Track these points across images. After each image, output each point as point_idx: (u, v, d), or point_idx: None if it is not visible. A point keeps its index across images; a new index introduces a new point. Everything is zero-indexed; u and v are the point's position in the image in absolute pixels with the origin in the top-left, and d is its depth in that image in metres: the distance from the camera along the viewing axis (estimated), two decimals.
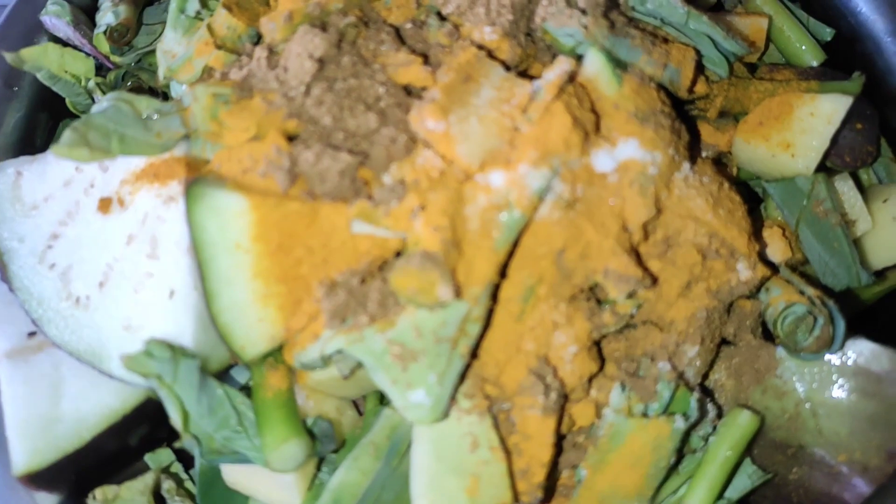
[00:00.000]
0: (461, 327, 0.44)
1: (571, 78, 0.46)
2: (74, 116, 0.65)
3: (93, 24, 0.62)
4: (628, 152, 0.47)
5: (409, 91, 0.47)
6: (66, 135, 0.44)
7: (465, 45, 0.48)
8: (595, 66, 0.47)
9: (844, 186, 0.59)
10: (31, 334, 0.53)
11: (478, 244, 0.43)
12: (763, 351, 0.54)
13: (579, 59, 0.49)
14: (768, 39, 0.63)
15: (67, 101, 0.62)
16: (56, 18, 0.61)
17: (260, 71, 0.47)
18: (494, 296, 0.45)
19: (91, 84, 0.60)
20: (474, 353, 0.46)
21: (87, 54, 0.61)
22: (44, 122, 0.65)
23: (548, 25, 0.49)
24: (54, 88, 0.60)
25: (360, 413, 0.56)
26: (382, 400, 0.54)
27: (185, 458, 0.57)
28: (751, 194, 0.61)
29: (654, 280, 0.48)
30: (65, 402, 0.50)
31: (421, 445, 0.45)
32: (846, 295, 0.58)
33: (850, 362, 0.52)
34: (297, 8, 0.47)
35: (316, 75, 0.45)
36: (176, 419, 0.45)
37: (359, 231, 0.44)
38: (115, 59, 0.60)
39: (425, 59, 0.48)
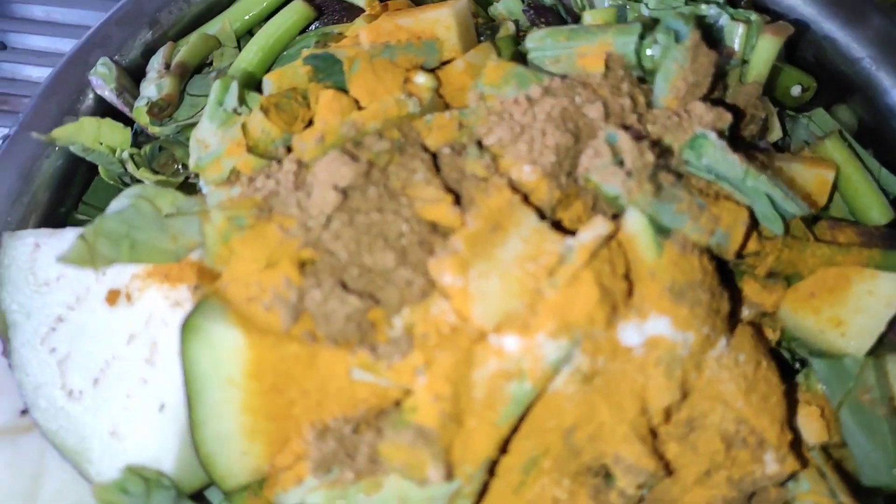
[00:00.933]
0: (451, 502, 0.40)
1: (608, 238, 0.43)
2: None
3: (138, 87, 0.62)
4: (658, 329, 0.43)
5: (435, 228, 0.45)
6: (76, 245, 0.43)
7: (501, 185, 0.45)
8: (635, 229, 0.44)
9: (891, 369, 0.53)
10: (24, 412, 0.52)
11: (480, 416, 0.40)
12: None
13: (618, 214, 0.45)
14: (833, 191, 0.59)
15: (100, 168, 0.61)
16: (101, 81, 0.60)
17: (284, 190, 0.45)
18: (492, 469, 0.42)
19: (125, 155, 0.59)
20: None
21: (127, 121, 0.60)
22: (82, 171, 0.64)
23: (591, 175, 0.46)
24: (87, 158, 0.59)
25: None
26: None
27: None
28: (791, 358, 0.57)
29: (669, 472, 0.44)
30: (43, 494, 0.49)
31: None
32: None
33: None
34: (330, 128, 0.45)
35: (338, 206, 0.43)
36: None
37: (359, 378, 0.42)
38: (154, 129, 0.60)
39: (457, 196, 0.45)
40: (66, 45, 1.06)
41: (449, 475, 0.39)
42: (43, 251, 0.53)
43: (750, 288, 0.55)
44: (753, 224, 0.51)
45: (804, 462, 0.49)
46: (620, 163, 0.45)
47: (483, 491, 0.42)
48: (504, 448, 0.42)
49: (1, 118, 1.04)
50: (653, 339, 0.43)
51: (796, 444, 0.50)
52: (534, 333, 0.41)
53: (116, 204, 0.47)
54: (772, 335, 0.55)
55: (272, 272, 0.42)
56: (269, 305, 0.42)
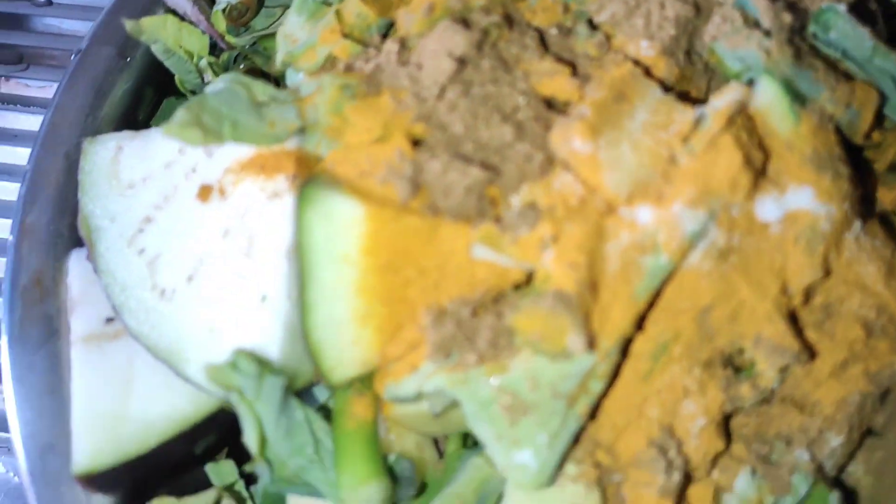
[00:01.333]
0: (583, 383, 0.38)
1: (742, 109, 0.40)
2: (179, 94, 0.62)
3: (212, 2, 0.60)
4: (799, 202, 0.40)
5: (550, 104, 0.42)
6: (180, 114, 0.41)
7: (619, 60, 0.42)
8: (769, 97, 0.41)
9: None
10: (110, 320, 0.50)
11: (616, 290, 0.37)
12: None
13: (749, 85, 0.42)
14: None
15: (176, 77, 0.59)
16: None
17: (390, 66, 0.42)
18: (625, 350, 0.39)
19: (203, 62, 0.57)
20: (592, 414, 0.40)
21: (203, 32, 0.58)
22: (149, 96, 0.63)
23: (718, 45, 0.43)
24: (166, 63, 0.57)
25: (439, 453, 0.50)
26: (465, 442, 0.48)
27: (247, 473, 0.52)
28: None
29: (813, 354, 0.41)
30: (134, 400, 0.46)
31: None
32: None
33: None
34: (438, 0, 0.43)
35: (453, 77, 0.40)
36: (252, 441, 0.40)
37: (480, 256, 0.39)
38: (231, 39, 0.58)
39: (573, 70, 0.42)
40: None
41: (591, 343, 0.36)
42: (126, 153, 0.51)
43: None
44: (881, 110, 0.47)
45: None
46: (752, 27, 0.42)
47: (615, 374, 0.39)
48: (639, 326, 0.39)
49: (48, 72, 1.03)
50: (792, 213, 0.40)
51: None
52: (669, 203, 0.38)
53: (213, 86, 0.44)
54: None
55: (384, 146, 0.40)
56: (383, 179, 0.39)
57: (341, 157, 0.41)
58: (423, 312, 0.40)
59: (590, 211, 0.38)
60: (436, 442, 0.50)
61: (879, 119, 0.49)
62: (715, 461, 0.43)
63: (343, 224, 0.38)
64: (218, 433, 0.49)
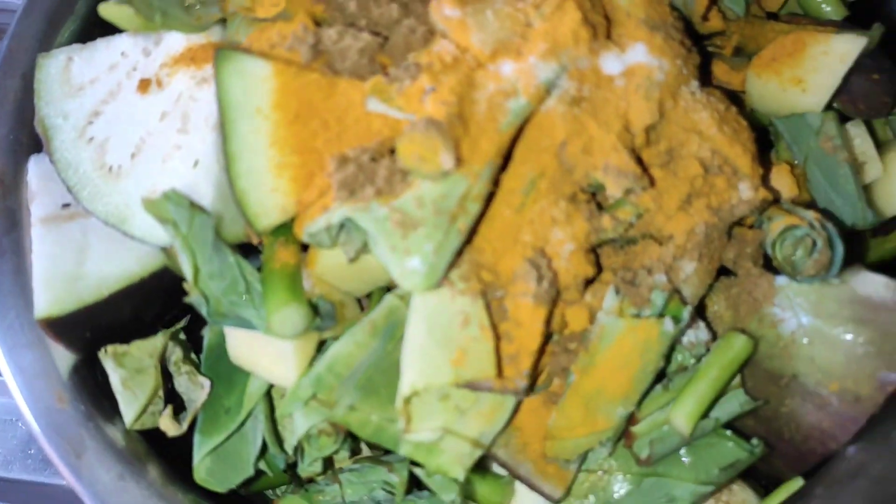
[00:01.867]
0: (461, 203, 0.46)
1: None
2: None
3: None
4: (636, 57, 0.49)
5: None
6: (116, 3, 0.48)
7: None
8: None
9: (857, 131, 0.59)
10: (66, 205, 0.57)
11: (483, 125, 0.46)
12: (762, 280, 0.55)
13: None
14: None
15: None
16: None
17: None
18: (497, 182, 0.47)
19: None
20: (472, 237, 0.48)
21: None
22: (101, 23, 0.69)
23: None
24: None
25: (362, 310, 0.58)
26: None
27: (194, 340, 0.60)
28: (762, 139, 0.62)
29: (653, 181, 0.49)
30: (89, 263, 0.53)
31: (415, 319, 0.47)
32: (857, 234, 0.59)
33: (846, 290, 0.52)
34: None
35: None
36: (187, 270, 0.47)
37: (373, 109, 0.47)
38: None
39: None
40: None
41: (459, 162, 0.44)
42: (76, 62, 0.58)
43: (719, 69, 0.60)
44: None
45: (775, 194, 0.54)
46: None
47: (488, 204, 0.47)
48: (505, 165, 0.47)
49: None
50: (631, 67, 0.49)
51: (768, 181, 0.55)
52: (526, 57, 0.46)
53: None
54: None
55: (289, 23, 0.48)
56: (289, 47, 0.47)
57: (256, 37, 0.49)
58: (330, 160, 0.47)
59: (461, 66, 0.46)
60: (360, 303, 0.58)
61: (721, 13, 0.58)
62: (586, 286, 0.52)
63: (255, 80, 0.46)
64: (164, 299, 0.56)
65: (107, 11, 0.48)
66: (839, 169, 0.57)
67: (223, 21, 0.51)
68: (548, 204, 0.49)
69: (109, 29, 0.70)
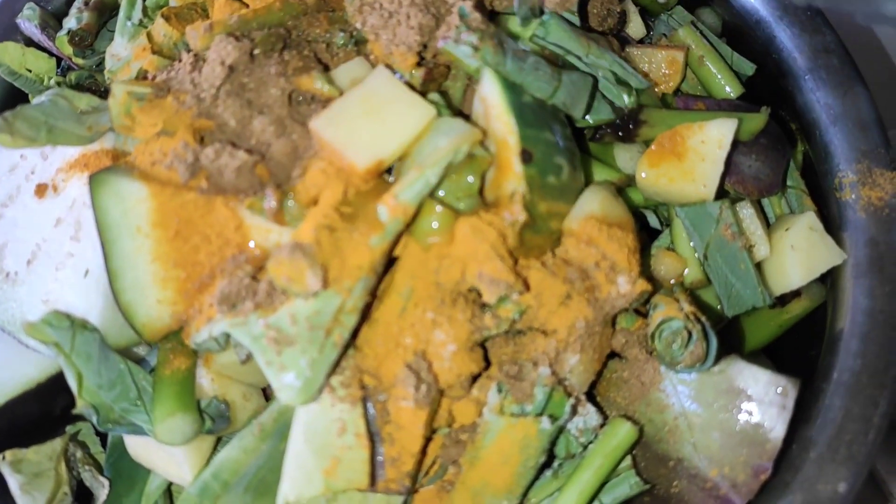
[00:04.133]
0: (336, 317, 0.47)
1: None
2: None
3: (61, 27, 0.68)
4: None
5: (313, 98, 0.52)
6: None
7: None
8: (490, 87, 0.51)
9: (745, 213, 0.61)
10: None
11: (355, 242, 0.47)
12: (648, 365, 0.56)
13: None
14: (685, 71, 0.66)
15: (30, 97, 0.67)
16: (27, 21, 0.67)
17: (181, 74, 0.51)
18: (375, 292, 0.49)
19: (52, 82, 0.65)
20: (355, 345, 0.49)
21: (51, 54, 0.66)
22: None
23: (447, 46, 0.53)
24: (16, 84, 0.66)
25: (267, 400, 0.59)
26: None
27: (103, 434, 0.61)
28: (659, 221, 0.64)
29: (528, 286, 0.51)
30: None
31: (296, 427, 0.49)
32: (738, 320, 0.61)
33: (724, 379, 0.54)
34: (218, 20, 0.52)
35: (226, 80, 0.50)
36: (72, 385, 0.49)
37: (251, 223, 0.48)
38: (78, 60, 0.66)
39: (325, 68, 0.52)
40: None
41: (325, 283, 0.45)
42: None
43: (621, 155, 0.62)
44: (593, 94, 0.58)
45: (655, 286, 0.56)
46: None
47: (367, 313, 0.49)
48: (386, 271, 0.49)
49: None
50: None
51: (648, 272, 0.57)
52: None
53: (37, 99, 0.53)
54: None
55: (171, 140, 0.49)
56: (169, 165, 0.48)
57: (140, 151, 0.50)
58: (214, 273, 0.49)
59: (335, 183, 0.48)
60: (266, 393, 0.59)
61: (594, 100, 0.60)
62: (473, 381, 0.53)
63: (133, 202, 0.47)
64: (69, 397, 0.57)
65: None
66: (738, 254, 0.59)
67: (112, 129, 0.53)
68: (428, 307, 0.50)
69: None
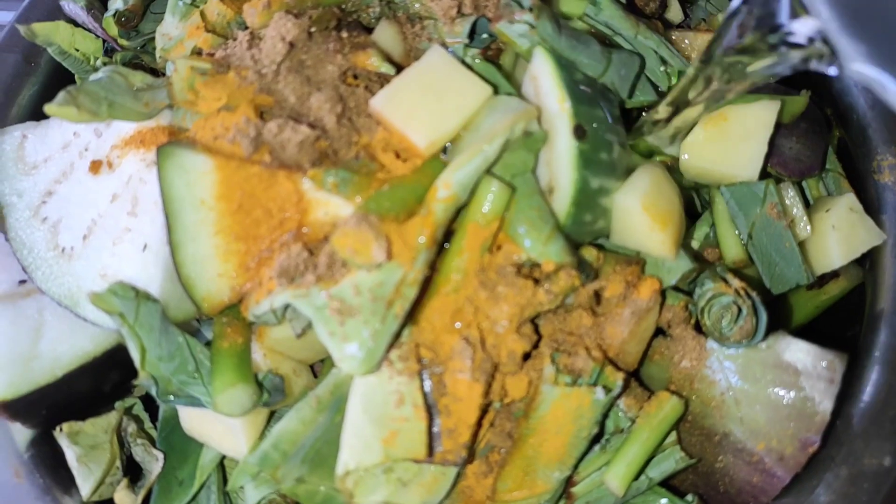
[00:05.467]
0: (397, 289, 0.48)
1: None
2: None
3: (105, 8, 0.69)
4: None
5: (369, 75, 0.52)
6: (59, 96, 0.49)
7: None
8: (541, 63, 0.52)
9: (788, 193, 0.62)
10: (22, 282, 0.58)
11: (417, 215, 0.48)
12: (695, 342, 0.57)
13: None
14: None
15: (76, 77, 0.68)
16: (73, 3, 0.67)
17: (239, 51, 0.52)
18: (434, 265, 0.50)
19: (99, 63, 0.66)
20: (414, 318, 0.50)
21: (97, 36, 0.67)
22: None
23: (501, 27, 0.54)
24: (64, 64, 0.66)
25: (315, 377, 0.60)
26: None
27: (153, 409, 0.61)
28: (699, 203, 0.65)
29: (580, 264, 0.52)
30: (44, 342, 0.55)
31: (353, 398, 0.49)
32: (785, 298, 0.62)
33: (771, 354, 0.55)
34: None
35: (286, 56, 0.50)
36: (135, 356, 0.49)
37: (313, 197, 0.49)
38: (123, 42, 0.67)
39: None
40: None
41: (389, 254, 0.46)
42: (30, 140, 0.59)
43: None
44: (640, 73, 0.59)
45: (706, 264, 0.57)
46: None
47: (426, 286, 0.49)
48: (443, 246, 0.49)
49: None
50: None
51: (699, 253, 0.58)
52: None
53: (94, 76, 0.54)
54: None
55: (233, 114, 0.50)
56: (232, 139, 0.49)
57: (201, 126, 0.50)
58: (274, 246, 0.49)
59: (396, 159, 0.49)
60: (313, 369, 0.60)
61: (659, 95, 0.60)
62: (526, 357, 0.54)
63: (197, 175, 0.48)
64: (121, 371, 0.58)
65: (52, 111, 0.49)
66: (783, 233, 0.59)
67: (170, 106, 0.53)
68: (482, 282, 0.51)
69: None
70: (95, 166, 0.56)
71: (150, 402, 0.61)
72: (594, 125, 0.53)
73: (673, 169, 0.62)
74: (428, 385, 0.50)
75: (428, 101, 0.50)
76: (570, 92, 0.52)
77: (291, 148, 0.49)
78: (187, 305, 0.52)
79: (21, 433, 0.56)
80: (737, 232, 0.61)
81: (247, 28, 0.58)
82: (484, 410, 0.52)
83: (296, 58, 0.51)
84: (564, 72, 0.52)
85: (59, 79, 0.70)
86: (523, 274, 0.52)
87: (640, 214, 0.53)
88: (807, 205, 0.65)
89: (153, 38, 0.68)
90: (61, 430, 0.55)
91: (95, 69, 0.66)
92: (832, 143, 0.69)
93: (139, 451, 0.56)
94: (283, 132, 0.49)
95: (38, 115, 0.69)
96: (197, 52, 0.56)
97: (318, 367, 0.60)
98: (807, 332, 0.67)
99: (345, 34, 0.54)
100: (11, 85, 0.67)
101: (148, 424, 0.59)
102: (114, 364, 0.56)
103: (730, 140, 0.59)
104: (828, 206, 0.63)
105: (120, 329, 0.49)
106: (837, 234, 0.61)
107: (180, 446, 0.57)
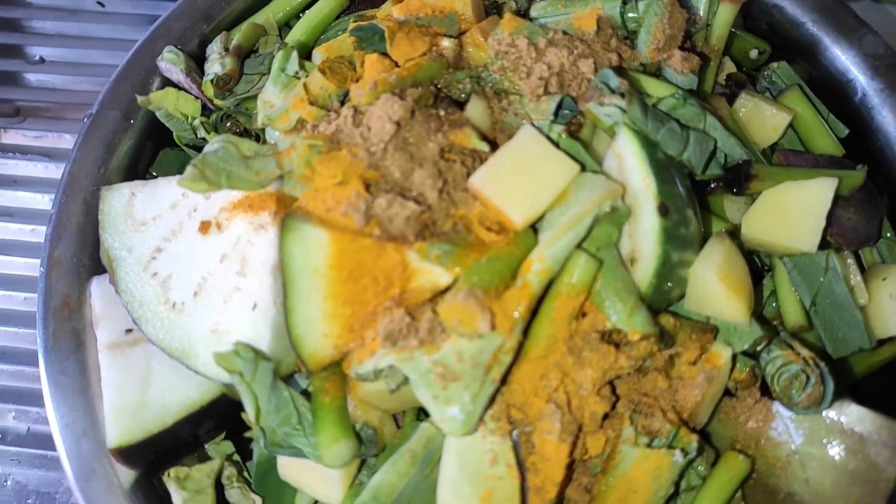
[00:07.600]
0: (495, 356, 0.51)
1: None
2: (174, 145, 0.75)
3: (200, 70, 0.73)
4: None
5: (465, 151, 0.56)
6: (189, 170, 0.53)
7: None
8: (626, 141, 0.56)
9: (847, 262, 0.65)
10: (129, 331, 0.62)
11: (513, 287, 0.52)
12: (761, 405, 0.61)
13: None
14: (786, 132, 0.71)
15: (175, 134, 0.72)
16: (171, 64, 0.72)
17: (347, 127, 0.56)
18: (526, 332, 0.53)
19: (196, 122, 0.70)
20: (504, 381, 0.53)
21: (195, 97, 0.71)
22: (149, 149, 0.76)
23: (590, 106, 0.58)
24: (168, 124, 0.71)
25: (398, 426, 0.63)
26: (419, 416, 0.62)
27: (243, 452, 0.65)
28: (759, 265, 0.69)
29: (661, 333, 0.55)
30: (152, 391, 0.59)
31: (449, 456, 0.53)
32: (845, 362, 0.65)
33: (838, 421, 0.58)
34: (381, 78, 0.57)
35: (393, 135, 0.54)
36: (250, 412, 0.53)
37: (417, 266, 0.53)
38: (218, 102, 0.71)
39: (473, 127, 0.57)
40: (98, 57, 1.17)
41: (493, 327, 0.50)
42: (138, 197, 0.64)
43: (729, 206, 0.67)
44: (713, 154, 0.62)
45: (774, 333, 0.60)
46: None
47: (519, 352, 0.53)
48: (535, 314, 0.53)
49: (42, 123, 1.14)
50: None
51: (765, 319, 0.61)
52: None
53: (211, 146, 0.58)
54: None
55: (343, 188, 0.54)
56: (344, 212, 0.53)
57: (312, 197, 0.55)
58: (378, 311, 0.53)
59: (494, 236, 0.52)
60: (395, 418, 0.64)
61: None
62: (605, 417, 0.57)
63: (314, 246, 0.51)
64: (217, 419, 0.62)
65: (186, 185, 0.53)
66: (846, 300, 0.63)
67: (281, 176, 0.57)
68: (568, 348, 0.55)
69: (158, 146, 0.76)
70: (205, 227, 0.60)
71: (240, 446, 0.65)
72: (675, 202, 0.56)
73: (734, 234, 0.66)
74: (517, 443, 0.54)
75: (523, 181, 0.54)
76: (655, 172, 0.56)
77: (399, 221, 0.53)
78: (292, 360, 0.56)
79: (125, 474, 0.60)
80: (799, 298, 0.65)
81: (344, 102, 0.63)
82: (569, 468, 0.55)
83: (400, 136, 0.55)
84: (648, 152, 0.56)
85: (151, 133, 0.75)
86: (605, 339, 0.56)
87: (717, 284, 0.57)
88: (862, 270, 0.69)
89: (246, 99, 0.73)
90: (169, 475, 0.58)
91: (193, 128, 0.70)
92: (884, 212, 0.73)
93: (235, 494, 0.60)
94: (391, 207, 0.53)
95: (133, 168, 0.74)
96: (301, 124, 0.60)
97: (399, 416, 0.64)
98: (858, 393, 0.70)
99: (441, 112, 0.58)
100: (112, 140, 0.72)
101: (245, 471, 0.62)
102: (214, 412, 0.60)
103: (789, 215, 0.63)
104: (884, 274, 0.67)
105: (237, 386, 0.53)
106: (895, 302, 0.65)
107: (275, 489, 0.60)
